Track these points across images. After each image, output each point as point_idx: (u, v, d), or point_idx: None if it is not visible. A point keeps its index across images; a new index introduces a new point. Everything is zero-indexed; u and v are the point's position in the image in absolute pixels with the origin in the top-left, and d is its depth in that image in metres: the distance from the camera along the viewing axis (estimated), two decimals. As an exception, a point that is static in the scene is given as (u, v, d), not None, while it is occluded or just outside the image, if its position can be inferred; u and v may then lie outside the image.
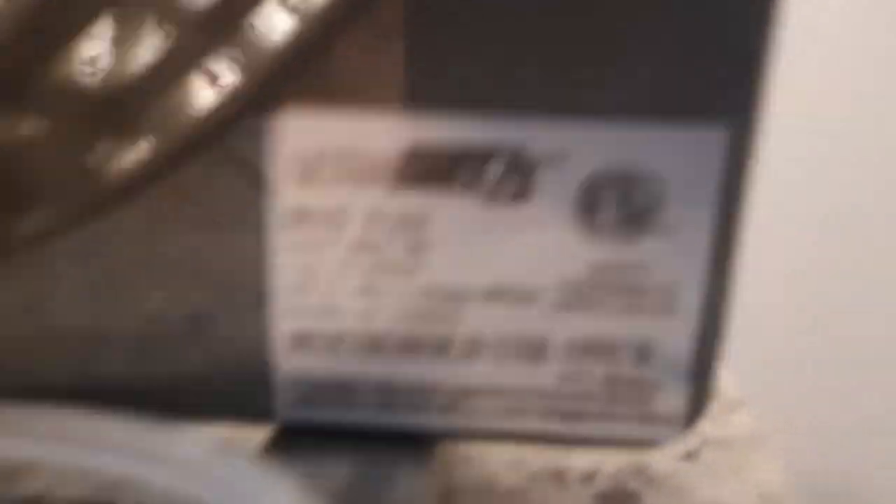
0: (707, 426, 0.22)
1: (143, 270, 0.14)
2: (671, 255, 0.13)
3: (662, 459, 0.20)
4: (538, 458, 0.20)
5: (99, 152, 0.13)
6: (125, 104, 0.11)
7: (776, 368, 0.53)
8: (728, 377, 0.25)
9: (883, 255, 0.53)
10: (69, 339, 0.14)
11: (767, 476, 0.20)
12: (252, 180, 0.13)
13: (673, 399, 0.14)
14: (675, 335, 0.14)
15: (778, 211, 0.52)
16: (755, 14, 0.12)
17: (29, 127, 0.09)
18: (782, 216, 0.52)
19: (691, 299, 0.13)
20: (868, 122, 0.52)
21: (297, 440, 0.15)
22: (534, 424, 0.15)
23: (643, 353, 0.14)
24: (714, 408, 0.23)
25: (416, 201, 0.13)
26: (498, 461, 0.20)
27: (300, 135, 0.13)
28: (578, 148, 0.12)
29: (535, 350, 0.14)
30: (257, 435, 0.15)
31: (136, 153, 0.11)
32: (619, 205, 0.13)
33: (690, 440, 0.21)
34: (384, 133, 0.13)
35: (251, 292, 0.14)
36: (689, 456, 0.20)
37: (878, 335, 0.54)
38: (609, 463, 0.20)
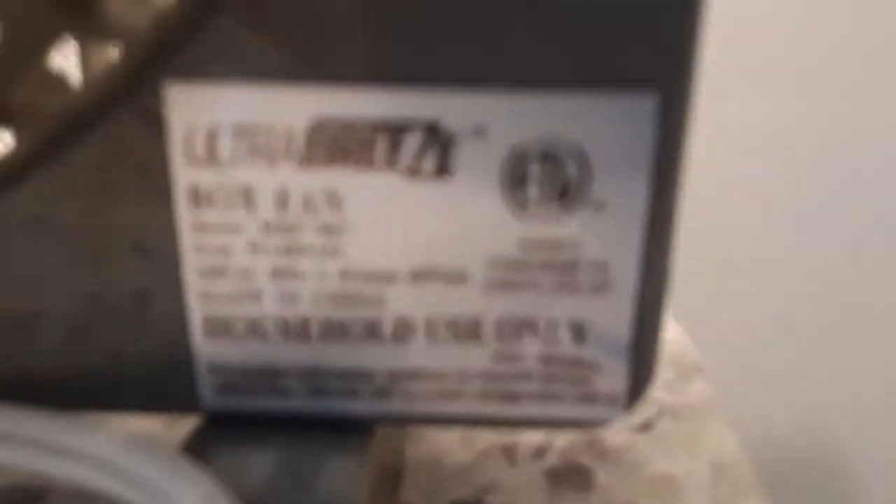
0: (663, 394, 0.22)
1: (51, 242, 0.13)
2: (604, 231, 0.12)
3: (617, 432, 0.19)
4: (488, 434, 0.19)
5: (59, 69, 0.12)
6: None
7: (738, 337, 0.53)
8: (686, 342, 0.25)
9: (846, 221, 0.54)
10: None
11: (720, 446, 0.19)
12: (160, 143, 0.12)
13: (612, 378, 0.13)
14: (611, 313, 0.13)
15: (731, 175, 0.52)
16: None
17: None
18: (736, 180, 0.52)
19: (627, 275, 0.13)
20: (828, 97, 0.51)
21: (223, 430, 0.14)
22: (471, 407, 0.14)
23: (579, 331, 0.13)
24: (671, 374, 0.23)
25: (329, 179, 0.12)
26: (448, 438, 0.19)
27: (195, 109, 0.12)
28: (498, 120, 0.12)
29: (467, 331, 0.13)
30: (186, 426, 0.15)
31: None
32: (546, 179, 0.12)
33: (646, 410, 0.21)
34: (286, 107, 0.12)
35: (164, 265, 0.13)
36: (644, 427, 0.20)
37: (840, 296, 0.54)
38: (561, 438, 0.19)
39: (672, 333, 0.24)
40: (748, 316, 0.54)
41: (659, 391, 0.21)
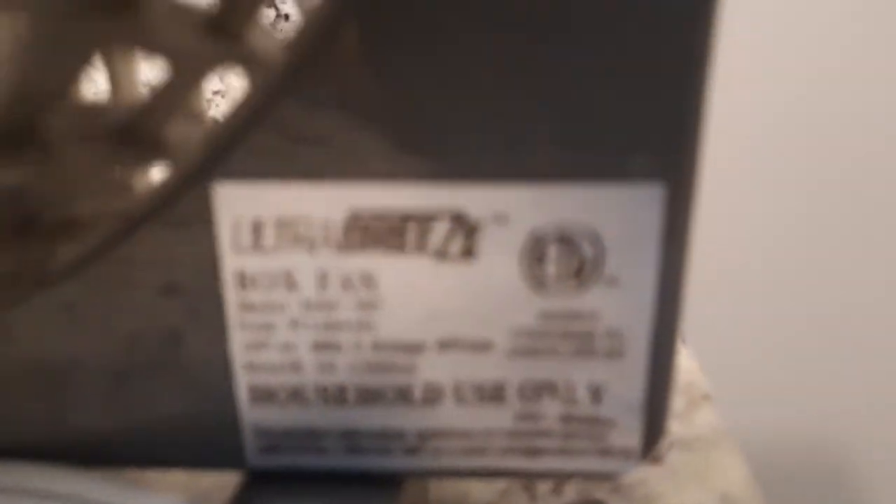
0: (673, 425, 0.23)
1: (117, 290, 0.14)
2: (617, 303, 0.13)
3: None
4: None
5: (122, 180, 0.13)
6: (138, 133, 0.11)
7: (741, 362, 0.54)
8: (695, 370, 0.26)
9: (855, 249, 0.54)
10: (40, 370, 0.15)
11: (730, 477, 0.20)
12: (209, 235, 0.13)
13: (627, 434, 0.15)
14: (626, 376, 0.14)
15: (738, 211, 0.53)
16: (687, 74, 0.12)
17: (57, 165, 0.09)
18: (743, 217, 0.53)
19: (640, 342, 0.14)
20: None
21: (265, 485, 0.16)
22: (495, 462, 0.15)
23: (596, 393, 0.14)
24: (680, 404, 0.24)
25: (364, 262, 0.13)
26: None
27: (240, 205, 0.13)
28: (518, 208, 0.13)
29: (492, 394, 0.14)
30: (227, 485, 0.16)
31: (153, 177, 0.11)
32: (562, 259, 0.13)
33: (657, 442, 0.22)
34: (324, 201, 0.13)
35: (216, 338, 0.14)
36: (656, 460, 0.21)
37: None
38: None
39: (681, 361, 0.25)
40: (754, 333, 0.55)
41: (670, 422, 0.22)
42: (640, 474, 0.20)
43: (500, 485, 0.20)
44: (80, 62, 0.09)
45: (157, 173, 0.12)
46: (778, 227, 0.53)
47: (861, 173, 0.52)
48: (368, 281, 0.13)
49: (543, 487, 0.20)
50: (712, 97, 0.13)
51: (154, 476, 0.17)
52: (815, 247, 0.53)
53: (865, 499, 0.56)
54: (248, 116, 0.12)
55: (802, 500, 0.54)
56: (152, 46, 0.10)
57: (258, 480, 0.16)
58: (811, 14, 0.50)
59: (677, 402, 0.24)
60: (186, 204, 0.13)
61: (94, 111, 0.10)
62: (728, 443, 0.22)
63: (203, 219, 0.13)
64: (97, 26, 0.08)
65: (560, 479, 0.15)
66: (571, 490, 0.20)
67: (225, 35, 0.10)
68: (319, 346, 0.14)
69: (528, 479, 0.15)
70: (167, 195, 0.13)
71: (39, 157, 0.10)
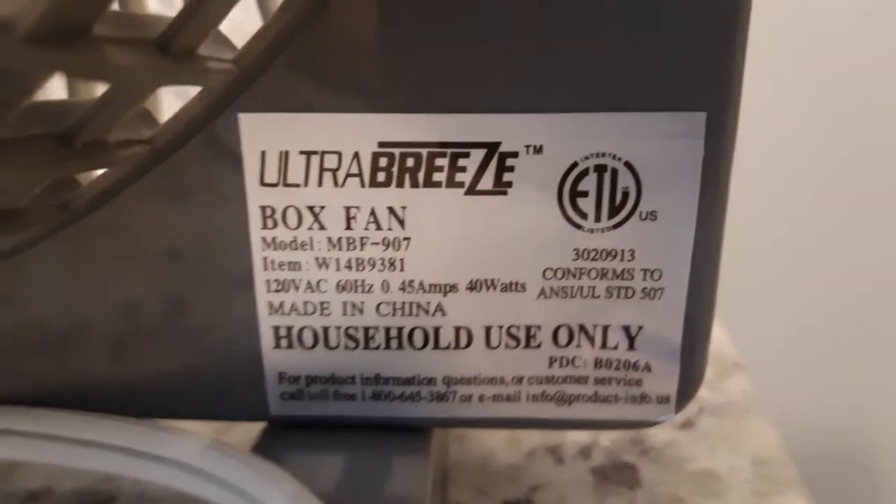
0: (704, 392, 0.22)
1: (131, 254, 0.14)
2: (656, 240, 0.13)
3: (660, 430, 0.20)
4: (533, 436, 0.20)
5: (70, 183, 0.13)
6: (91, 143, 0.11)
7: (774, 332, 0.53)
8: (725, 340, 0.25)
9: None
10: (49, 333, 0.14)
11: (761, 441, 0.20)
12: (236, 168, 0.13)
13: (664, 380, 0.14)
14: (663, 318, 0.14)
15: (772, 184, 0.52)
16: (724, 3, 0.11)
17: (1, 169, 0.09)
18: (776, 189, 0.52)
19: (678, 282, 0.13)
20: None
21: (289, 434, 0.15)
22: (527, 410, 0.15)
23: (632, 336, 0.14)
24: (711, 372, 0.23)
25: (392, 197, 0.13)
26: (494, 439, 0.20)
27: (267, 137, 0.12)
28: (554, 140, 0.12)
29: (524, 337, 0.14)
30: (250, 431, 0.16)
31: (99, 183, 0.11)
32: (600, 192, 0.13)
33: (688, 408, 0.21)
34: (352, 133, 0.12)
35: (236, 279, 0.14)
36: (686, 425, 0.20)
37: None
38: (605, 436, 0.20)
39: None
40: (787, 312, 0.54)
41: (700, 389, 0.22)
42: (669, 437, 0.20)
43: (524, 447, 0.20)
44: (28, 92, 0.09)
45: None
46: (813, 196, 0.53)
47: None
48: (396, 216, 0.13)
49: (570, 450, 0.19)
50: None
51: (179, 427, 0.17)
52: (850, 223, 0.53)
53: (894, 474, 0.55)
54: (269, 49, 0.12)
55: (830, 476, 0.54)
56: (103, 75, 0.09)
57: (280, 430, 0.15)
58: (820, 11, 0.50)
59: (708, 371, 0.23)
60: (212, 135, 0.13)
61: (42, 113, 0.10)
62: (758, 409, 0.21)
63: (229, 150, 0.13)
64: (48, 58, 0.08)
65: (593, 428, 0.15)
66: (599, 453, 0.19)
67: (176, 55, 0.10)
68: (345, 286, 0.14)
69: (559, 428, 0.15)
70: (194, 125, 0.12)
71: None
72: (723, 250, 0.14)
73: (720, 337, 0.25)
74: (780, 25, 0.48)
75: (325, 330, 0.14)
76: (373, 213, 0.13)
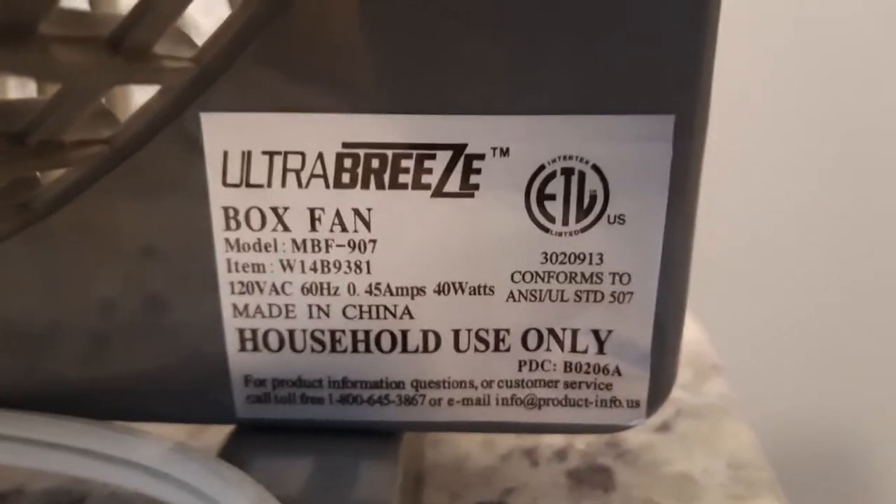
0: (682, 394, 0.22)
1: (95, 254, 0.13)
2: (625, 243, 0.13)
3: (636, 432, 0.20)
4: (509, 438, 0.20)
5: (29, 182, 0.12)
6: (46, 143, 0.10)
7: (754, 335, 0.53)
8: (704, 341, 0.25)
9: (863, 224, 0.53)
10: (14, 333, 0.14)
11: (737, 444, 0.20)
12: (198, 167, 0.13)
13: (634, 384, 0.14)
14: (633, 321, 0.13)
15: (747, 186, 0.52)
16: (693, 5, 0.11)
17: None
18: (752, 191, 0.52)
19: (648, 285, 0.13)
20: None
21: (255, 437, 0.15)
22: (497, 414, 0.14)
23: (601, 340, 0.14)
24: (689, 374, 0.23)
25: (357, 198, 0.13)
26: (470, 442, 0.20)
27: (229, 136, 0.12)
28: (522, 141, 0.12)
29: (493, 341, 0.14)
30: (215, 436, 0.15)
31: (60, 182, 0.11)
32: (568, 195, 0.12)
33: (665, 410, 0.21)
34: (316, 134, 0.12)
35: (201, 281, 0.13)
36: (663, 427, 0.20)
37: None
38: (581, 439, 0.20)
39: (691, 332, 0.24)
40: (766, 312, 0.54)
41: (678, 391, 0.22)
42: (646, 439, 0.20)
43: (500, 449, 0.19)
44: None
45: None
46: (792, 198, 0.53)
47: (886, 145, 0.51)
48: (361, 218, 0.13)
49: (546, 453, 0.19)
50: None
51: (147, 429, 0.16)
52: (829, 221, 0.53)
53: (873, 475, 0.56)
54: (231, 46, 0.12)
55: (809, 478, 0.54)
56: (51, 75, 0.09)
57: (247, 433, 0.15)
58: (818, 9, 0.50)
59: (685, 373, 0.23)
60: (174, 133, 0.12)
61: None
62: (736, 411, 0.21)
63: (191, 150, 0.12)
64: None
65: (564, 432, 0.15)
66: (575, 456, 0.19)
67: (129, 53, 0.10)
68: (311, 289, 0.13)
69: (529, 432, 0.15)
70: (155, 124, 0.12)
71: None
72: (696, 252, 0.13)
73: (699, 338, 0.25)
74: (768, 24, 0.48)
75: (291, 333, 0.14)
76: (338, 214, 0.13)
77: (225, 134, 0.12)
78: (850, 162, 0.52)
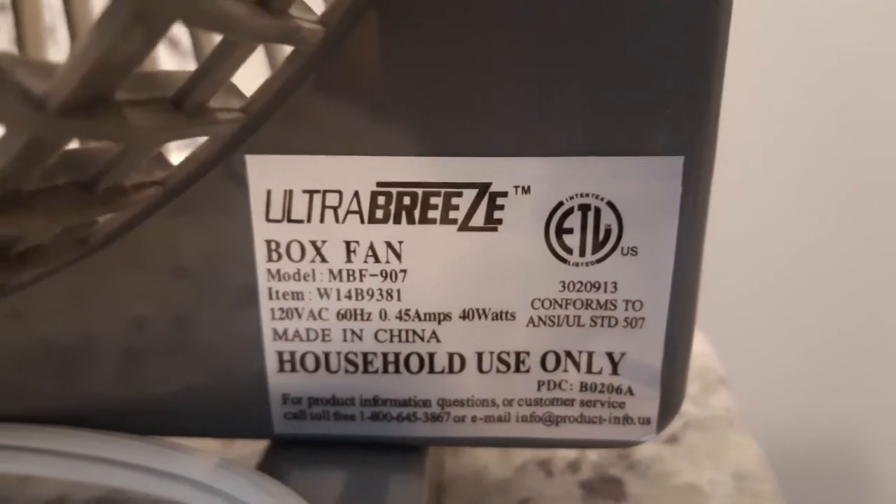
0: (689, 407, 0.23)
1: (143, 283, 0.14)
2: (638, 273, 0.14)
3: (646, 445, 0.21)
4: (525, 450, 0.21)
5: (85, 225, 0.13)
6: (110, 189, 0.11)
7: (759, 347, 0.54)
8: (711, 354, 0.26)
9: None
10: (60, 353, 0.15)
11: (743, 456, 0.21)
12: (243, 205, 0.14)
13: (646, 403, 0.15)
14: (644, 345, 0.14)
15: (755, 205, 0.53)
16: (701, 54, 0.12)
17: (29, 219, 0.10)
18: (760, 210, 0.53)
19: (659, 312, 0.14)
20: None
21: (291, 452, 0.16)
22: (516, 431, 0.15)
23: (615, 362, 0.15)
24: (696, 387, 0.24)
25: (391, 232, 0.14)
26: (486, 454, 0.21)
27: (274, 175, 0.13)
28: (542, 181, 0.13)
29: (514, 362, 0.15)
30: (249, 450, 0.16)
31: (116, 219, 0.12)
32: (585, 229, 0.13)
33: (673, 423, 0.22)
34: (352, 173, 0.13)
35: (243, 308, 0.15)
36: (672, 440, 0.21)
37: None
38: (593, 451, 0.21)
39: (697, 346, 0.25)
40: (771, 322, 0.55)
41: (685, 404, 0.23)
42: (655, 451, 0.21)
43: (516, 461, 0.20)
44: (52, 153, 0.09)
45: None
46: (796, 214, 0.53)
47: (886, 159, 0.52)
48: (394, 251, 0.14)
49: (560, 464, 0.20)
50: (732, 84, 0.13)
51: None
52: (832, 236, 0.53)
53: (875, 485, 0.56)
54: (276, 97, 0.13)
55: (815, 489, 0.54)
56: (125, 138, 0.10)
57: (283, 447, 0.16)
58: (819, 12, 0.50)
59: (693, 386, 0.24)
60: (221, 175, 0.13)
61: (66, 164, 0.11)
62: (742, 424, 0.22)
63: (237, 189, 0.13)
64: (74, 127, 0.09)
65: (579, 447, 0.16)
66: (587, 467, 0.20)
67: (189, 110, 0.11)
68: (346, 315, 0.14)
69: (546, 447, 0.16)
70: (204, 167, 0.13)
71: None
72: (705, 269, 0.14)
73: (705, 352, 0.26)
74: (767, 24, 0.49)
75: (327, 355, 0.15)
76: (371, 247, 0.14)
77: (268, 174, 0.13)
78: (861, 178, 0.53)
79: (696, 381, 0.24)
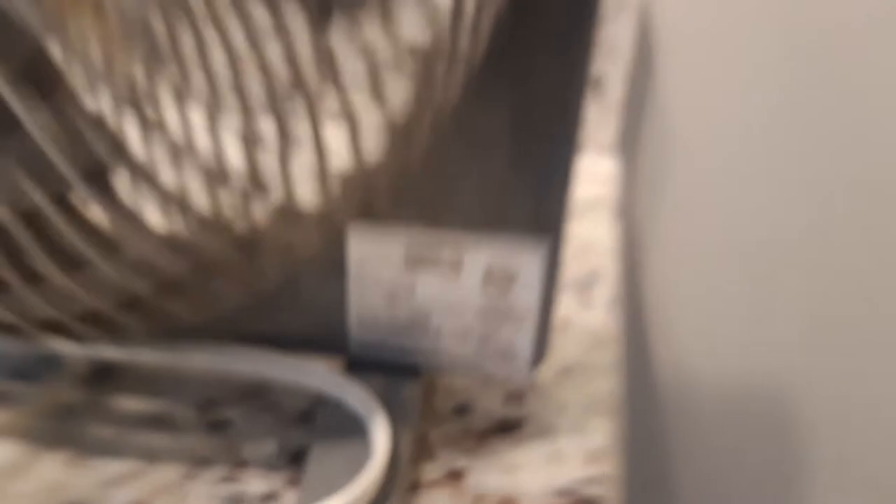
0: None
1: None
2: (524, 296, 0.30)
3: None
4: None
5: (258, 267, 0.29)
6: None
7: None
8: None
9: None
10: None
11: (598, 436, 0.33)
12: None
13: (524, 348, 0.31)
14: (524, 323, 0.31)
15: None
16: (555, 163, 0.28)
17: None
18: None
19: (534, 313, 0.30)
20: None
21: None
22: (461, 362, 0.32)
23: (507, 340, 0.31)
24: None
25: (414, 279, 0.30)
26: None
27: (366, 242, 0.29)
28: (471, 250, 0.29)
29: (464, 333, 0.31)
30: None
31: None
32: (499, 281, 0.30)
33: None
34: (394, 241, 0.29)
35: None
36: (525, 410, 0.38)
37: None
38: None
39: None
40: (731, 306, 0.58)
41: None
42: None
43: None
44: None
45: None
46: (777, 206, 0.53)
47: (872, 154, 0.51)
48: (416, 289, 0.30)
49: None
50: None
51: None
52: (815, 229, 0.54)
53: (806, 441, 0.62)
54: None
55: (743, 445, 0.62)
56: None
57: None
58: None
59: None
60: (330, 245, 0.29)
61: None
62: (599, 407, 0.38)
63: (339, 252, 0.29)
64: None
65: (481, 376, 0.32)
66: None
67: None
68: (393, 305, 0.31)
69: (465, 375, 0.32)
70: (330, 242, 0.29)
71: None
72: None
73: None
74: (765, 25, 0.49)
75: (394, 317, 0.31)
76: (408, 269, 0.30)
77: (364, 241, 0.29)
78: (845, 171, 0.52)
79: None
